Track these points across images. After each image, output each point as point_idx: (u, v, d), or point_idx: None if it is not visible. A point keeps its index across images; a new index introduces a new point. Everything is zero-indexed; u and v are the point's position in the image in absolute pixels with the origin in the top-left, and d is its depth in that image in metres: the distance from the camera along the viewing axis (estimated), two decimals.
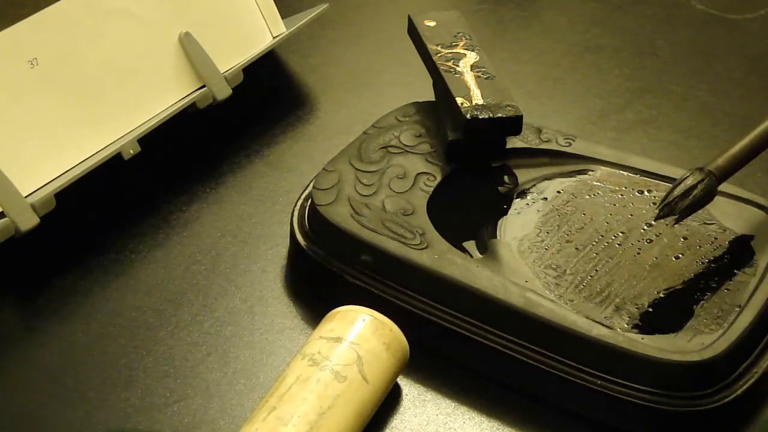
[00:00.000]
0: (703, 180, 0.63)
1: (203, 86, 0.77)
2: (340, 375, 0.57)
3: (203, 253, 0.71)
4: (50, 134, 0.70)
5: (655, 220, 0.64)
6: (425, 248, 0.64)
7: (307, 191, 0.71)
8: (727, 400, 0.58)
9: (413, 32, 0.77)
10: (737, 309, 0.61)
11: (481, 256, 0.65)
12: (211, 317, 0.67)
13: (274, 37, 0.81)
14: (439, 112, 0.73)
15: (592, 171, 0.71)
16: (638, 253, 0.65)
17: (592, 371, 0.59)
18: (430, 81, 0.74)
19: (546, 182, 0.70)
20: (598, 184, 0.70)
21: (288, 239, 0.70)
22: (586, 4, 0.97)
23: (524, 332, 0.61)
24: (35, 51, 0.70)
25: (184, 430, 0.61)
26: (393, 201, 0.67)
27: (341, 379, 0.57)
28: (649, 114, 0.84)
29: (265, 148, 0.80)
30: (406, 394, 0.62)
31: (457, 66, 0.73)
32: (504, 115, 0.69)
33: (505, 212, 0.68)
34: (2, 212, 0.66)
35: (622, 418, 0.59)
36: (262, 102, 0.84)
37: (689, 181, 0.63)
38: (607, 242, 0.65)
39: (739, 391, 0.59)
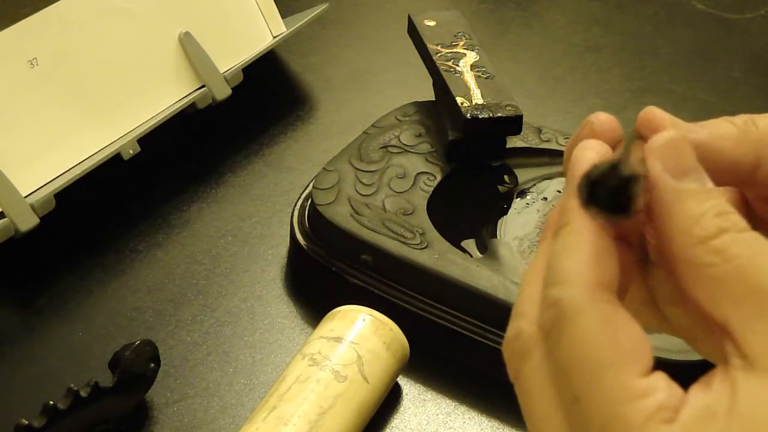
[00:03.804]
0: None
1: (203, 86, 0.77)
2: (340, 375, 0.57)
3: (203, 253, 0.71)
4: (50, 134, 0.70)
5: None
6: (425, 248, 0.64)
7: (307, 191, 0.71)
8: None
9: (413, 32, 0.77)
10: None
11: (481, 255, 0.65)
12: (211, 317, 0.67)
13: (274, 37, 0.81)
14: (439, 111, 0.73)
15: None
16: None
17: None
18: (430, 81, 0.74)
19: (546, 182, 0.70)
20: None
21: (288, 239, 0.70)
22: (586, 4, 0.97)
23: None
24: (35, 51, 0.70)
25: (184, 430, 0.61)
26: (393, 201, 0.67)
27: (341, 379, 0.57)
28: None
29: (265, 148, 0.80)
30: (406, 394, 0.62)
31: (457, 66, 0.73)
32: (504, 115, 0.69)
33: (505, 212, 0.68)
34: (2, 212, 0.66)
35: None
36: (262, 102, 0.84)
37: None
38: None
39: None
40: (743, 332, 0.32)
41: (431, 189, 0.68)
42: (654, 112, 0.36)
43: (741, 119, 0.37)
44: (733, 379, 0.32)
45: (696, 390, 0.32)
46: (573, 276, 0.33)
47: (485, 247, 0.65)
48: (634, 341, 0.32)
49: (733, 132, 0.36)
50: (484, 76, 0.72)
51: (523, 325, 0.34)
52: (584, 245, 0.33)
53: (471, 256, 0.65)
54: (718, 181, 0.36)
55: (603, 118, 0.37)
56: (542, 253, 0.35)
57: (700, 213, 0.33)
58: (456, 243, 0.65)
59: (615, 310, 0.33)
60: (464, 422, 0.61)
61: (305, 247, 0.67)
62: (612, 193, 0.32)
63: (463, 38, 0.76)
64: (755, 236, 0.33)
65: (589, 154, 0.35)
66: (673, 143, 0.34)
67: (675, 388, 0.32)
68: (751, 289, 0.32)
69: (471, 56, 0.74)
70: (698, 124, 0.36)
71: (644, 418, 0.31)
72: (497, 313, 0.61)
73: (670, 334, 0.38)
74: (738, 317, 0.32)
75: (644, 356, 0.32)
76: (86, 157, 0.71)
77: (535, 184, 0.70)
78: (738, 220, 0.33)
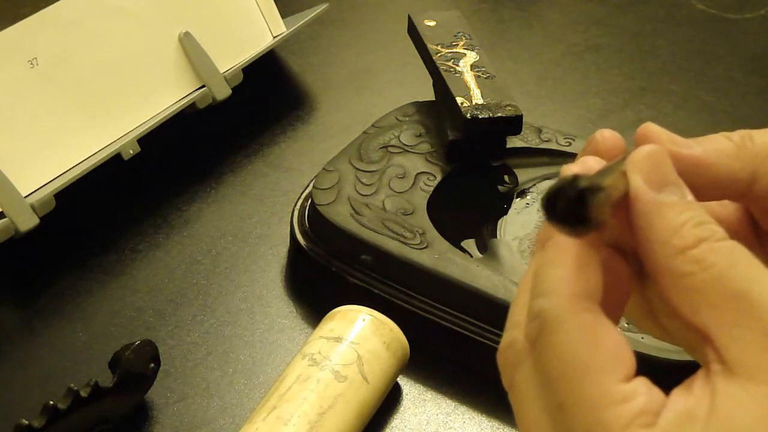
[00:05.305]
0: None
1: (203, 86, 0.77)
2: (340, 375, 0.57)
3: (203, 253, 0.71)
4: (50, 134, 0.70)
5: None
6: (425, 248, 0.64)
7: (307, 191, 0.71)
8: None
9: (413, 32, 0.77)
10: None
11: (481, 255, 0.65)
12: (211, 317, 0.67)
13: (274, 37, 0.81)
14: (439, 111, 0.73)
15: None
16: None
17: None
18: (430, 81, 0.74)
19: (546, 182, 0.70)
20: None
21: (288, 239, 0.70)
22: (586, 4, 0.97)
23: None
24: (35, 51, 0.70)
25: (184, 430, 0.61)
26: (393, 201, 0.67)
27: (341, 379, 0.57)
28: (649, 114, 0.84)
29: (265, 148, 0.80)
30: (406, 394, 0.62)
31: (457, 66, 0.73)
32: (504, 115, 0.69)
33: (505, 212, 0.68)
34: (2, 212, 0.66)
35: None
36: (262, 102, 0.84)
37: None
38: None
39: None
40: (723, 339, 0.32)
41: (431, 189, 0.68)
42: (651, 129, 0.36)
43: (738, 135, 0.37)
44: (713, 384, 0.32)
45: (677, 394, 0.33)
46: (555, 287, 0.33)
47: (485, 247, 0.65)
48: (614, 348, 0.32)
49: (730, 147, 0.37)
50: (484, 76, 0.72)
51: (516, 334, 0.34)
52: (567, 257, 0.34)
53: (471, 256, 0.65)
54: (715, 195, 0.36)
55: (607, 135, 0.37)
56: (534, 263, 0.35)
57: (679, 224, 0.33)
58: (456, 243, 0.65)
59: (596, 319, 0.33)
60: (464, 422, 0.61)
61: (305, 247, 0.67)
62: (568, 206, 0.32)
63: (463, 38, 0.76)
64: (733, 245, 0.33)
65: (575, 169, 0.35)
66: (653, 157, 0.34)
67: (656, 392, 0.32)
68: (729, 297, 0.32)
69: (471, 56, 0.74)
70: (695, 140, 0.37)
71: (625, 422, 0.31)
72: (497, 313, 0.61)
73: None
74: (717, 324, 0.32)
75: (625, 363, 0.32)
76: (86, 157, 0.71)
77: (535, 184, 0.70)
78: (717, 229, 0.33)
